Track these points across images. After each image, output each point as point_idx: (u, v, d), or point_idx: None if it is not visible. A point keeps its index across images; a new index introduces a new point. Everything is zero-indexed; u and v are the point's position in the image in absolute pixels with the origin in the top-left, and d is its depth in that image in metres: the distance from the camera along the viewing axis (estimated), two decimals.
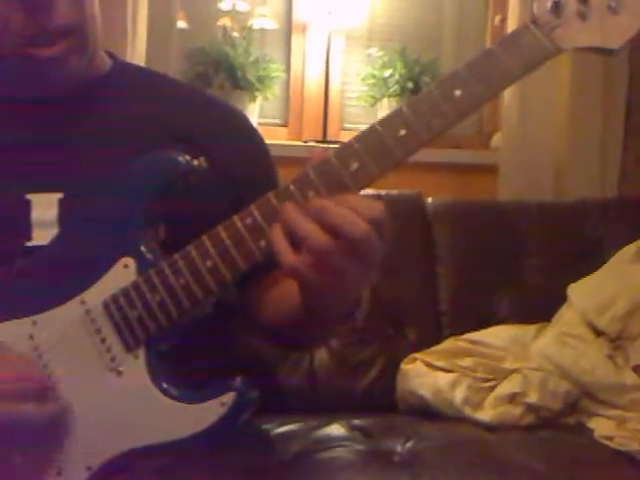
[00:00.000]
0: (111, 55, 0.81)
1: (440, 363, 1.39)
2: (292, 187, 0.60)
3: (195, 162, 0.65)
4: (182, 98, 0.81)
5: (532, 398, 1.32)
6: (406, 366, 1.42)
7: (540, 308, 1.52)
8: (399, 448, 1.17)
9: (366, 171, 0.59)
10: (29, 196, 0.70)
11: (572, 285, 1.51)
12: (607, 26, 0.56)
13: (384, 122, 0.59)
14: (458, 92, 0.58)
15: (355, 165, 0.59)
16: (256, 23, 1.85)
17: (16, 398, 0.60)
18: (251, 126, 0.86)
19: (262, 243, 0.60)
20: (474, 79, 0.58)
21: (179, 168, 0.65)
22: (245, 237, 0.60)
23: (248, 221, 0.60)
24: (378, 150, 0.59)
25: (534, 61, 0.57)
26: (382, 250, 0.56)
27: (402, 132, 0.58)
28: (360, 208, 0.54)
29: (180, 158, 0.65)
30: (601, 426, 1.28)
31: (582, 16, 0.57)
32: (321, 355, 1.42)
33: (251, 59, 1.78)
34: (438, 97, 0.58)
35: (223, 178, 0.74)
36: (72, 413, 0.64)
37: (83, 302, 0.65)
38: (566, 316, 1.47)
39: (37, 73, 0.69)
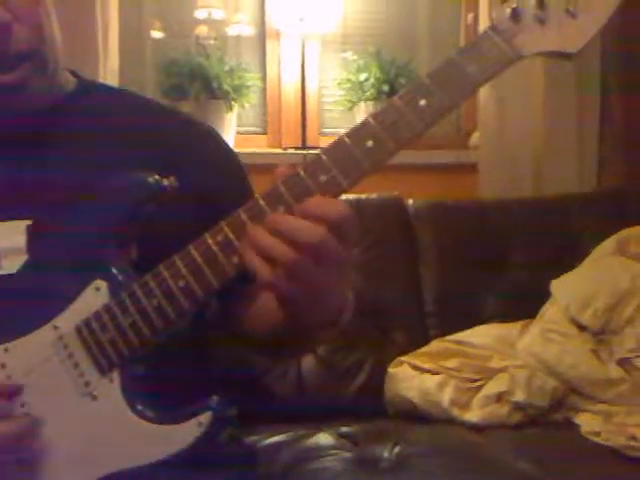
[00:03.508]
0: (75, 74, 0.80)
1: (427, 365, 1.39)
2: (262, 202, 0.59)
3: (165, 181, 0.65)
4: (149, 115, 0.80)
5: (519, 396, 1.33)
6: (393, 370, 1.42)
7: (525, 305, 1.53)
8: (386, 454, 1.17)
9: (335, 183, 0.59)
10: None
11: (554, 281, 1.52)
12: (566, 30, 0.56)
13: (351, 134, 0.59)
14: (423, 102, 0.58)
15: (324, 178, 0.59)
16: (232, 30, 1.85)
17: None
18: (222, 141, 0.85)
19: (234, 259, 0.60)
20: (437, 88, 0.58)
21: (149, 189, 0.65)
22: (217, 254, 0.60)
23: (219, 238, 0.60)
24: (346, 162, 0.59)
25: (495, 68, 0.58)
26: (348, 250, 0.57)
27: (369, 143, 0.59)
28: (314, 212, 0.55)
29: (149, 179, 0.64)
30: (587, 422, 1.29)
31: (541, 21, 0.57)
32: (308, 362, 1.42)
33: (226, 68, 1.77)
34: (403, 107, 0.58)
35: (195, 195, 0.74)
36: (49, 438, 0.63)
37: (55, 327, 0.64)
38: (550, 312, 1.48)
39: None
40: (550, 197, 1.76)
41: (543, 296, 1.52)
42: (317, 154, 0.59)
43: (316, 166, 0.59)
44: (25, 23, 0.67)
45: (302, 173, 0.59)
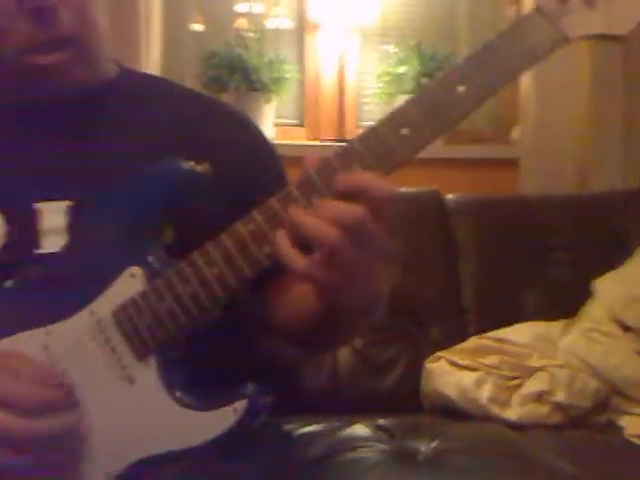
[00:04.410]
0: (117, 62, 0.81)
1: (464, 361, 1.37)
2: (295, 192, 0.59)
3: (199, 168, 0.65)
4: (187, 103, 0.80)
5: (560, 396, 1.30)
6: (430, 365, 1.40)
7: (566, 304, 1.50)
8: (423, 448, 1.16)
9: (369, 172, 0.58)
10: (38, 204, 0.70)
11: (598, 280, 1.48)
12: (615, 12, 0.54)
13: (386, 121, 0.58)
14: (461, 88, 0.56)
15: (357, 166, 0.57)
16: (271, 23, 1.86)
17: (34, 412, 0.60)
18: (259, 131, 0.85)
19: (266, 249, 0.59)
20: (477, 73, 0.56)
21: (183, 175, 0.65)
22: (249, 243, 0.60)
23: (251, 227, 0.60)
24: (381, 150, 0.57)
25: (539, 52, 0.55)
26: (386, 234, 0.56)
27: (405, 131, 0.57)
28: (355, 186, 0.55)
29: (184, 165, 0.65)
30: (632, 424, 1.25)
31: (589, 3, 0.55)
32: (344, 355, 1.41)
33: (265, 60, 1.78)
34: (440, 94, 0.57)
35: (229, 182, 0.74)
36: (88, 421, 0.64)
37: (93, 312, 0.65)
38: (592, 311, 1.44)
39: (36, 80, 0.70)
40: (594, 193, 1.72)
41: (585, 295, 1.48)
42: (351, 142, 0.58)
43: (350, 154, 0.57)
44: (70, 7, 0.68)
45: (336, 162, 0.58)
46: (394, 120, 0.57)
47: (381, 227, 0.55)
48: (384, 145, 0.57)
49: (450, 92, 0.56)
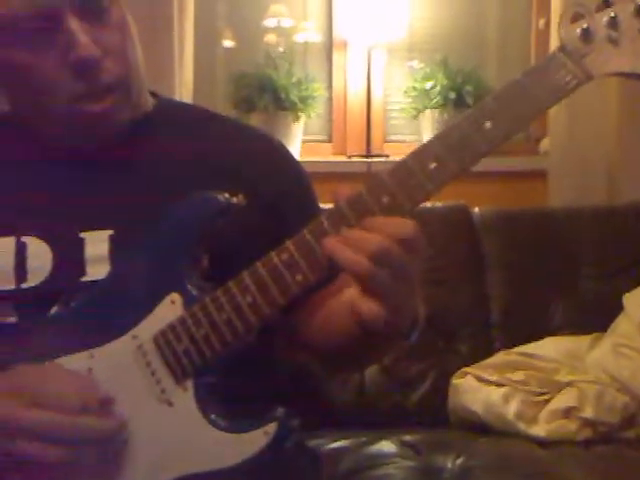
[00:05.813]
0: (154, 94, 0.84)
1: (492, 377, 1.38)
2: (326, 223, 0.61)
3: (234, 199, 0.68)
4: (224, 133, 0.83)
5: (588, 412, 1.29)
6: (457, 381, 1.41)
7: (595, 318, 1.49)
8: (449, 464, 1.17)
9: (397, 205, 0.60)
10: (82, 234, 0.74)
11: (628, 294, 1.47)
12: (639, 50, 0.55)
13: (414, 155, 0.60)
14: (488, 124, 0.58)
15: (386, 199, 0.60)
16: (300, 37, 1.89)
17: (78, 411, 0.63)
18: (291, 156, 0.88)
19: (299, 278, 0.62)
20: (504, 110, 0.58)
21: (219, 206, 0.68)
22: (282, 272, 0.62)
23: (284, 257, 0.62)
24: (409, 184, 0.60)
25: (564, 90, 0.57)
26: (419, 264, 0.59)
27: (432, 165, 0.59)
28: (385, 227, 0.57)
29: (219, 196, 0.68)
30: None
31: (613, 41, 0.56)
32: (371, 371, 1.43)
33: (294, 80, 1.81)
34: (468, 129, 0.59)
35: (263, 208, 0.77)
36: (129, 433, 0.67)
37: (135, 337, 0.68)
38: (622, 326, 1.43)
39: (86, 127, 0.73)
40: (624, 205, 1.70)
41: (615, 310, 1.47)
42: (380, 175, 0.61)
43: (379, 187, 0.60)
44: (113, 56, 0.71)
45: (365, 194, 0.60)
46: (422, 154, 0.59)
47: (409, 256, 0.57)
48: (412, 179, 0.59)
49: (477, 127, 0.58)
